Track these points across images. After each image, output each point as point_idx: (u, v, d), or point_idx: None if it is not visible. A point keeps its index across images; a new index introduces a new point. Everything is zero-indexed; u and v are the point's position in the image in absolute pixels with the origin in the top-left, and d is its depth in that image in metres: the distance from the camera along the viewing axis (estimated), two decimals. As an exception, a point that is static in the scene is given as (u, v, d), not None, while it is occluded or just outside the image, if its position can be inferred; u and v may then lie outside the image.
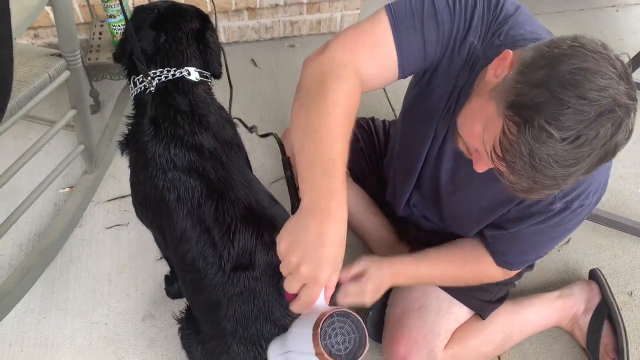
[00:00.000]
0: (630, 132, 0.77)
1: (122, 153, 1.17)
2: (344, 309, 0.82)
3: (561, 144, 0.74)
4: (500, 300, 1.36)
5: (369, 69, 0.98)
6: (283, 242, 0.81)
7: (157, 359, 1.47)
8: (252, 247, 1.07)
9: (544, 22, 1.02)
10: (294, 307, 0.83)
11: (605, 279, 1.47)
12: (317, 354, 0.77)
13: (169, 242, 1.14)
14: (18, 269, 1.56)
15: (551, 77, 0.75)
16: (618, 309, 1.40)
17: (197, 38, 1.19)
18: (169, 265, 1.35)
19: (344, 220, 0.82)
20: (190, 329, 1.24)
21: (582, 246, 1.69)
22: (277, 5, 2.25)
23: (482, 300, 1.34)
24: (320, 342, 0.77)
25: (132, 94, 1.17)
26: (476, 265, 1.23)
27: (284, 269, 0.82)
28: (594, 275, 1.50)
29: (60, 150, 1.89)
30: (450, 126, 1.10)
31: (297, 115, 0.91)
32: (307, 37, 2.41)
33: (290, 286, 0.81)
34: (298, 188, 0.87)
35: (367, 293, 1.14)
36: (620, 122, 0.75)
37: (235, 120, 1.25)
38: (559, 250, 1.68)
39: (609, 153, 0.77)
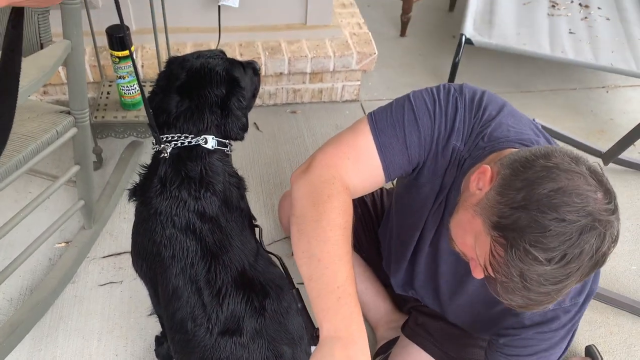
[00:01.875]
0: (616, 237, 0.79)
1: (129, 200, 1.19)
2: None
3: (548, 265, 0.77)
4: None
5: (355, 179, 1.02)
6: None
7: None
8: (241, 313, 1.07)
9: (537, 100, 1.07)
10: None
11: (601, 356, 1.45)
12: None
13: (161, 298, 1.13)
14: (7, 324, 1.53)
15: (529, 201, 0.78)
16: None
17: (222, 105, 1.18)
18: (160, 324, 1.33)
19: (366, 340, 0.88)
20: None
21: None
22: (281, 73, 2.34)
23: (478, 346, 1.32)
24: None
25: (153, 149, 1.19)
26: None
27: None
28: (590, 352, 1.48)
29: (58, 204, 1.90)
30: (442, 226, 1.12)
31: (298, 242, 0.96)
32: (308, 104, 2.48)
33: None
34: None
35: None
36: (604, 235, 0.77)
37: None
38: (554, 325, 1.66)
39: (598, 263, 0.79)
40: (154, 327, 1.58)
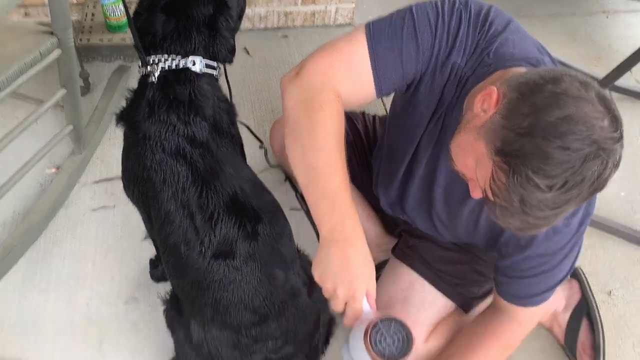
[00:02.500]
0: (618, 163, 0.79)
1: (116, 124, 1.16)
2: (386, 314, 0.98)
3: (549, 192, 0.77)
4: (484, 296, 1.38)
5: (346, 90, 1.01)
6: (316, 274, 0.96)
7: (139, 342, 1.47)
8: (234, 237, 1.08)
9: (535, 25, 1.04)
10: (345, 322, 0.99)
11: (586, 278, 1.49)
12: (370, 355, 0.92)
13: (154, 222, 1.14)
14: (0, 247, 1.54)
15: (535, 128, 0.77)
16: (597, 308, 1.43)
17: (209, 24, 1.14)
18: (155, 247, 1.35)
19: (362, 239, 0.95)
20: (174, 310, 1.24)
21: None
22: (272, -6, 2.25)
23: (466, 295, 1.36)
24: (372, 350, 0.93)
25: (140, 73, 1.16)
26: (505, 333, 1.22)
27: (325, 294, 0.97)
28: (575, 274, 1.52)
29: (47, 130, 1.86)
30: (440, 145, 1.11)
31: (293, 152, 1.00)
32: (300, 28, 2.41)
33: (335, 308, 0.97)
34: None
35: None
36: (606, 163, 0.77)
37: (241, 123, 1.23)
38: (541, 249, 1.70)
39: (598, 188, 0.80)
40: (148, 250, 1.60)
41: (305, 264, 1.33)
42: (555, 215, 0.81)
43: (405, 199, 1.28)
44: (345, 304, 0.96)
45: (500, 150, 0.80)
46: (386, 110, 2.03)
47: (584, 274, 1.51)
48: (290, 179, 1.84)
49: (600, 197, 1.79)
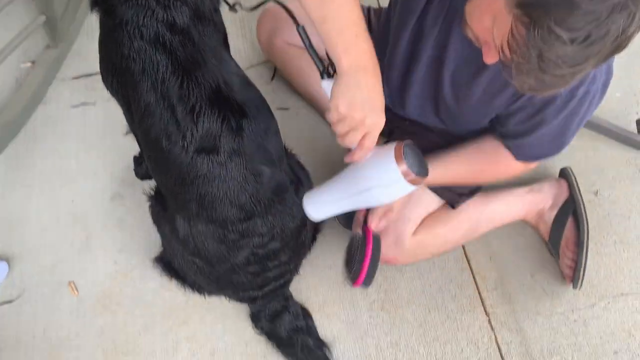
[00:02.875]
0: None
1: (91, 9, 1.08)
2: (403, 140, 1.01)
3: (570, 45, 0.72)
4: (472, 193, 1.38)
5: None
6: (342, 104, 0.92)
7: (125, 237, 1.47)
8: (217, 131, 1.04)
9: None
10: (357, 156, 1.00)
11: (575, 177, 1.49)
12: (405, 175, 0.97)
13: (134, 115, 1.09)
14: (-21, 143, 1.50)
15: None
16: (583, 206, 1.43)
17: None
18: (138, 143, 1.31)
19: (379, 73, 0.94)
20: (159, 206, 1.23)
21: (555, 146, 1.70)
22: None
23: (454, 192, 1.35)
24: (407, 166, 0.96)
25: None
26: (496, 163, 1.24)
27: (345, 127, 0.95)
28: (564, 174, 1.51)
29: (20, 22, 1.76)
30: (451, 18, 1.05)
31: None
32: None
33: (354, 139, 0.97)
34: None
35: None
36: (634, 16, 0.71)
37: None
38: (531, 149, 1.69)
39: (620, 45, 0.75)
40: (132, 147, 1.56)
41: (292, 162, 1.31)
42: (572, 74, 0.78)
43: (408, 88, 1.23)
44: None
45: (521, 2, 0.75)
46: (379, 3, 1.93)
47: (573, 173, 1.50)
48: (279, 76, 1.78)
49: (595, 96, 1.77)
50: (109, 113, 1.64)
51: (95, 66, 1.12)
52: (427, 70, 1.17)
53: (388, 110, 1.36)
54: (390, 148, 1.00)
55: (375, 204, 1.15)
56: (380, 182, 1.01)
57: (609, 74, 1.05)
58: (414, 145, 1.02)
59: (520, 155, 1.20)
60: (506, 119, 1.14)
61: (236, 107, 1.06)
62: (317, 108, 1.69)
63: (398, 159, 0.97)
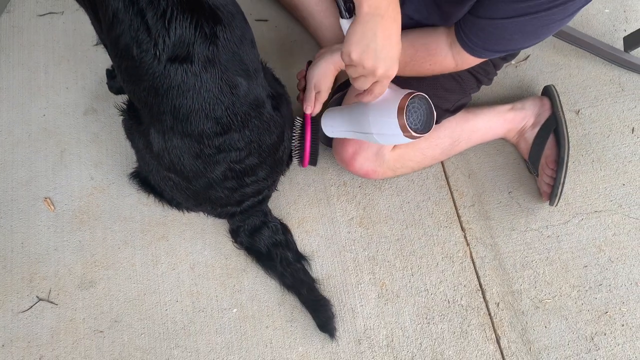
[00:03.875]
0: None
1: None
2: (410, 91, 1.05)
3: None
4: (456, 110, 1.36)
5: None
6: (355, 51, 0.93)
7: (101, 152, 1.44)
8: (191, 39, 0.98)
9: None
10: (365, 99, 1.04)
11: (558, 96, 1.47)
12: (403, 130, 1.02)
13: (102, 24, 1.03)
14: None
15: None
16: (565, 124, 1.42)
17: None
18: (108, 54, 1.26)
19: (400, 19, 0.93)
20: (132, 120, 1.19)
21: (539, 64, 1.66)
22: None
23: (440, 107, 1.33)
24: (406, 122, 1.02)
25: None
26: (432, 57, 1.20)
27: (356, 73, 0.97)
28: (548, 92, 1.49)
29: None
30: None
31: None
32: None
33: (363, 85, 1.00)
34: None
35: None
36: None
37: None
38: (516, 67, 1.65)
39: None
40: (104, 60, 1.51)
41: (268, 76, 1.27)
42: None
43: None
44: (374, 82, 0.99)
45: None
46: None
47: (556, 91, 1.48)
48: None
49: (582, 13, 1.72)
50: (78, 23, 1.56)
51: (60, -30, 1.05)
52: None
53: None
54: (397, 98, 1.03)
55: (375, 143, 1.19)
56: (380, 131, 1.08)
57: None
58: (425, 98, 1.05)
59: (474, 45, 1.13)
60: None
61: (209, 12, 1.01)
62: (300, 19, 1.62)
63: (400, 113, 1.02)
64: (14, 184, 1.40)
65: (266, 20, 1.66)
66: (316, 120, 1.30)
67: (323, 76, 1.27)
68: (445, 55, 1.19)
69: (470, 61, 1.19)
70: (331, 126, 1.26)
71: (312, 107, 1.29)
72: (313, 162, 1.32)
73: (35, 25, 1.56)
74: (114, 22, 1.00)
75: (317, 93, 1.28)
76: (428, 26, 1.25)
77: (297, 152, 1.31)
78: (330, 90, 1.30)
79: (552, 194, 1.39)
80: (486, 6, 1.07)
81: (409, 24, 1.29)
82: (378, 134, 1.10)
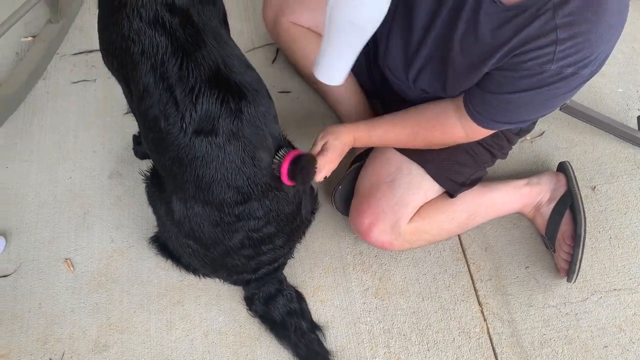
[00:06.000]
0: None
1: None
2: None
3: None
4: (472, 184, 1.38)
5: None
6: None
7: (123, 215, 1.48)
8: (216, 113, 1.03)
9: None
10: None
11: (573, 172, 1.49)
12: None
13: (133, 96, 1.09)
14: (-22, 117, 1.50)
15: None
16: (581, 200, 1.43)
17: None
18: (137, 121, 1.32)
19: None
20: (155, 186, 1.23)
21: (554, 140, 1.69)
22: None
23: (455, 181, 1.35)
24: None
25: None
26: (442, 127, 1.24)
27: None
28: (563, 168, 1.51)
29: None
30: None
31: None
32: None
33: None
34: None
35: (322, 167, 1.19)
36: None
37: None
38: (531, 142, 1.68)
39: None
40: (131, 126, 1.57)
41: (290, 149, 1.30)
42: None
43: (422, 48, 1.23)
44: None
45: None
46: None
47: (571, 167, 1.50)
48: (281, 59, 1.77)
49: (596, 92, 1.77)
50: (109, 90, 1.64)
51: (96, 43, 1.11)
52: (442, 31, 1.16)
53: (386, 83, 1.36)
54: None
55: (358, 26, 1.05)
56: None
57: (600, 65, 1.05)
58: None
59: (482, 117, 1.17)
60: (493, 72, 1.12)
61: (235, 89, 1.06)
62: (320, 92, 1.68)
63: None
64: (37, 244, 1.43)
65: (289, 92, 1.72)
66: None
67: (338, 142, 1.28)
68: (455, 125, 1.22)
69: (481, 132, 1.22)
70: (327, 69, 1.14)
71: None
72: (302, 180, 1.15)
73: (69, 92, 1.64)
74: (144, 96, 1.05)
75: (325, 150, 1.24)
76: (438, 97, 1.30)
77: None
78: (337, 159, 1.27)
79: (569, 271, 1.38)
80: (492, 81, 1.12)
81: (423, 98, 1.34)
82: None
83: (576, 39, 0.99)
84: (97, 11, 1.09)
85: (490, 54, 1.09)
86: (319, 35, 1.58)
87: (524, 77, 1.07)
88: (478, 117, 1.17)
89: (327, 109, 1.69)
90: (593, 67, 1.04)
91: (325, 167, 1.21)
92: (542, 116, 1.20)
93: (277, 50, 1.78)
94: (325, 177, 1.22)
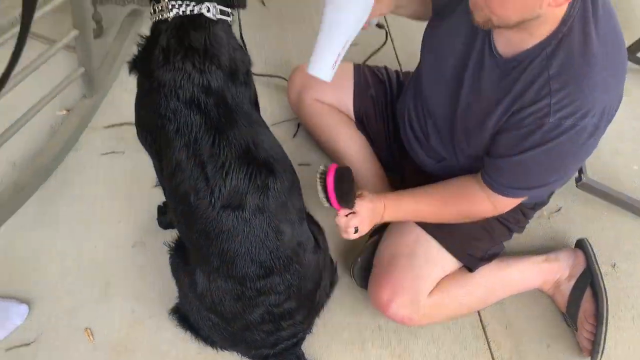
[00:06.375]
0: None
1: (129, 72, 1.15)
2: None
3: None
4: (490, 258, 1.39)
5: None
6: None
7: (145, 286, 1.49)
8: (244, 188, 1.07)
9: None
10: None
11: (592, 248, 1.49)
12: None
13: (165, 170, 1.13)
14: (11, 185, 1.56)
15: None
16: (602, 277, 1.43)
17: None
18: (164, 195, 1.36)
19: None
20: (179, 258, 1.25)
21: (571, 216, 1.71)
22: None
23: (473, 255, 1.36)
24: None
25: (151, 19, 1.13)
26: (468, 199, 1.27)
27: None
28: (581, 244, 1.52)
29: (59, 71, 1.84)
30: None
31: None
32: (318, -21, 2.34)
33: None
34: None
35: (349, 229, 1.23)
36: None
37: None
38: (548, 218, 1.70)
39: None
40: (156, 197, 1.61)
41: (309, 220, 1.33)
42: None
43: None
44: None
45: None
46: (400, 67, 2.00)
47: (590, 244, 1.51)
48: (302, 132, 1.83)
49: (611, 169, 1.80)
50: (136, 162, 1.70)
51: (127, 116, 1.17)
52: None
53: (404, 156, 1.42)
54: None
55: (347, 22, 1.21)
56: None
57: (602, 118, 1.07)
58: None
59: (498, 184, 1.21)
60: (498, 136, 1.17)
61: (263, 165, 1.10)
62: (339, 163, 1.73)
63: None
64: (58, 312, 1.45)
65: (309, 165, 1.77)
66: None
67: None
68: (480, 197, 1.25)
69: (505, 202, 1.25)
70: (321, 65, 1.24)
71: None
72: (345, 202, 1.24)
73: (98, 163, 1.70)
74: (176, 171, 1.09)
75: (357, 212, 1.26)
76: (454, 164, 1.36)
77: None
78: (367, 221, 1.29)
79: (593, 351, 1.36)
80: (499, 145, 1.17)
81: (440, 167, 1.38)
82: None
83: (568, 87, 1.04)
84: (136, 91, 1.16)
85: (492, 107, 1.15)
86: (340, 112, 1.66)
87: (527, 135, 1.11)
88: (495, 185, 1.21)
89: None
90: (594, 119, 1.06)
91: (358, 227, 1.23)
92: (557, 181, 1.23)
93: (298, 124, 1.85)
94: (356, 231, 1.24)
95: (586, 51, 1.04)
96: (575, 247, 1.56)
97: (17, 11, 1.24)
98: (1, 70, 0.86)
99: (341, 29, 1.20)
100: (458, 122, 1.26)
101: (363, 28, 1.24)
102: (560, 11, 1.02)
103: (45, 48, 1.51)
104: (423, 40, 1.37)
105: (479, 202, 1.26)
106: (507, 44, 1.12)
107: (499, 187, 1.21)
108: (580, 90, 1.04)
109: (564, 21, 1.04)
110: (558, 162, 1.15)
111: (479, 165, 1.26)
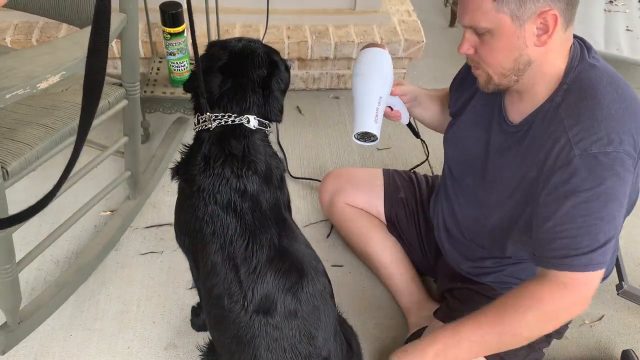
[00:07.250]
0: None
1: (172, 178, 1.21)
2: None
3: None
4: None
5: None
6: None
7: (174, 389, 1.47)
8: (276, 293, 1.09)
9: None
10: None
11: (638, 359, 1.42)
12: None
13: (200, 273, 1.16)
14: (53, 284, 1.61)
15: None
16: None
17: (263, 85, 1.19)
18: (199, 297, 1.37)
19: None
20: (211, 362, 1.25)
21: (615, 325, 1.64)
22: (327, 58, 2.34)
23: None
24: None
25: (195, 129, 1.21)
26: (531, 298, 1.08)
27: None
28: (627, 356, 1.45)
29: (106, 174, 1.96)
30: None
31: None
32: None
33: None
34: None
35: None
36: None
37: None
38: (590, 326, 1.63)
39: None
40: (191, 298, 1.63)
41: (342, 324, 1.32)
42: None
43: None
44: None
45: None
46: (432, 171, 2.05)
47: (637, 356, 1.44)
48: (334, 234, 1.86)
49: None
50: (173, 263, 1.74)
51: (166, 217, 1.22)
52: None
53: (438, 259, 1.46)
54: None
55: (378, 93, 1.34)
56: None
57: (630, 145, 1.03)
58: None
59: (554, 258, 1.07)
60: (535, 204, 1.11)
61: (295, 269, 1.12)
62: (372, 268, 1.73)
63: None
64: (87, 415, 1.43)
65: (341, 266, 1.78)
66: None
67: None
68: (547, 291, 1.07)
69: (577, 281, 1.06)
70: (366, 129, 1.31)
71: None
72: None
73: (136, 263, 1.75)
74: (211, 273, 1.12)
75: None
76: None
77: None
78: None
79: None
80: (537, 217, 1.11)
81: (474, 268, 1.41)
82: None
83: (583, 121, 1.04)
84: (177, 196, 1.22)
85: (518, 174, 1.18)
86: (370, 215, 1.69)
87: (559, 185, 1.05)
88: (551, 261, 1.07)
89: (378, 284, 1.72)
90: (623, 146, 1.02)
91: None
92: (602, 242, 1.04)
93: (331, 226, 1.88)
94: None
95: (595, 92, 1.07)
96: (621, 358, 1.49)
97: (75, 122, 1.35)
98: (57, 174, 0.92)
99: (372, 86, 1.33)
100: (485, 198, 1.30)
101: (396, 119, 1.44)
102: (560, 65, 1.10)
103: (94, 153, 1.62)
104: (445, 141, 1.44)
105: (548, 298, 1.07)
106: (517, 112, 1.19)
107: (555, 263, 1.07)
108: (594, 119, 1.04)
109: (566, 74, 1.10)
110: (602, 202, 1.03)
111: (520, 272, 1.25)
